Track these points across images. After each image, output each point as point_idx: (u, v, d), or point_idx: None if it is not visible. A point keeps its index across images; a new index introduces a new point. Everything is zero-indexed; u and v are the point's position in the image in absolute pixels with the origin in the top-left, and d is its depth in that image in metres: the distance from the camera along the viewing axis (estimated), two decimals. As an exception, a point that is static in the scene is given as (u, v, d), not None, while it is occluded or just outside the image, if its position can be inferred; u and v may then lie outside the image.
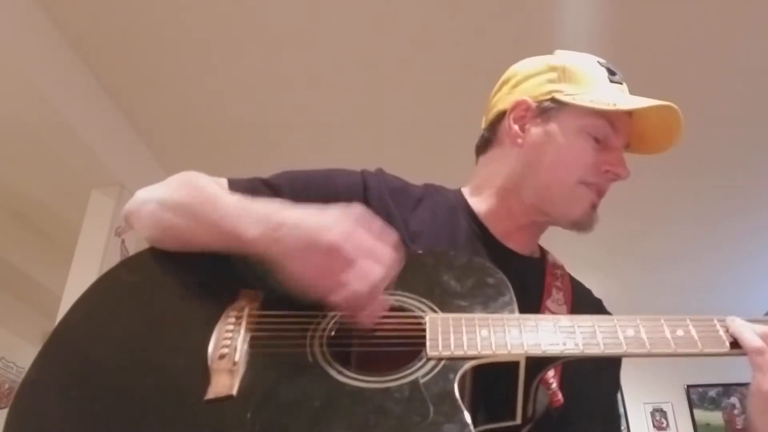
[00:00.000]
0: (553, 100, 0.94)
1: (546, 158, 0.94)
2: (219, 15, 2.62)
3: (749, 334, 0.69)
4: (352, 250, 0.67)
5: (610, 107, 0.89)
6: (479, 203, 0.99)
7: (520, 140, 0.96)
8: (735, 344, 0.70)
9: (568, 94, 0.93)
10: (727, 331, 0.71)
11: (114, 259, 2.98)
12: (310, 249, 0.68)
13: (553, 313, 0.90)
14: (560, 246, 1.05)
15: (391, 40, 2.72)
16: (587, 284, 1.04)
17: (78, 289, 0.78)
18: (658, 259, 4.33)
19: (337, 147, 3.17)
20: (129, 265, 0.85)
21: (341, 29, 2.68)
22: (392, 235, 0.72)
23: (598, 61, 0.96)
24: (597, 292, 1.04)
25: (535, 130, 0.95)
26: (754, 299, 4.65)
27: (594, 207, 0.94)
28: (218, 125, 3.27)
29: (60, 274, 2.99)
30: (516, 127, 0.97)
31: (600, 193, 0.94)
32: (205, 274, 0.78)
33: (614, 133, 0.92)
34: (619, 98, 0.91)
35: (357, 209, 0.71)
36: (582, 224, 0.94)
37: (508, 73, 1.02)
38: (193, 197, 0.80)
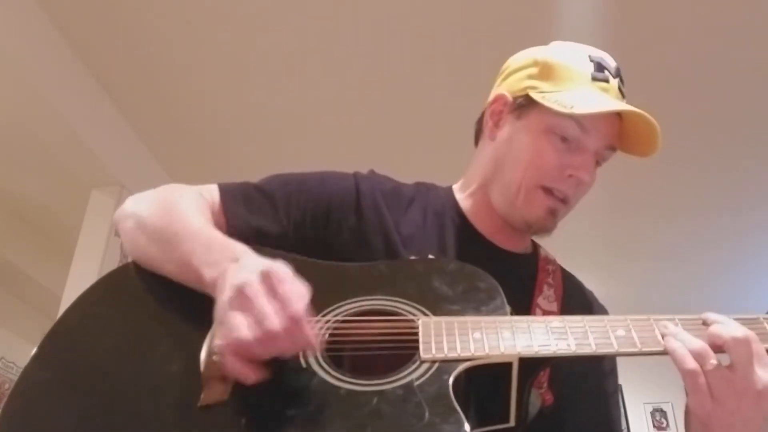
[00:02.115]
0: (527, 97, 0.91)
1: (510, 157, 0.92)
2: (219, 16, 2.62)
3: (682, 352, 0.66)
4: (249, 295, 0.62)
5: (566, 110, 0.85)
6: (466, 201, 0.99)
7: (493, 135, 0.95)
8: None
9: (541, 91, 0.90)
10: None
11: (114, 259, 2.99)
12: (222, 290, 0.65)
13: (544, 310, 0.90)
14: (561, 244, 1.04)
15: (390, 39, 2.73)
16: (588, 283, 1.04)
17: (78, 289, 0.78)
18: (659, 257, 4.33)
19: (337, 147, 3.17)
20: (123, 271, 0.85)
21: (341, 30, 2.68)
22: (295, 297, 0.63)
23: (590, 55, 0.92)
24: (599, 291, 1.04)
25: (507, 127, 0.94)
26: (754, 297, 4.65)
27: (552, 213, 0.91)
28: (218, 126, 3.27)
29: (60, 274, 3.00)
30: (491, 122, 0.96)
31: (564, 200, 0.90)
32: None
33: (584, 134, 0.88)
34: (583, 101, 0.86)
35: (274, 265, 0.66)
36: (536, 228, 0.92)
37: (504, 65, 1.01)
38: (166, 225, 0.79)
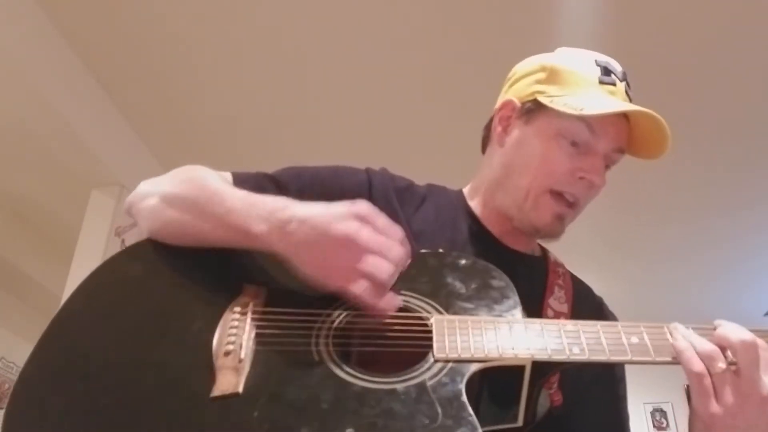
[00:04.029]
0: (535, 101, 0.91)
1: (520, 161, 0.92)
2: (218, 15, 2.62)
3: (689, 354, 0.67)
4: (366, 240, 0.67)
5: (577, 112, 0.85)
6: (477, 206, 0.99)
7: (502, 141, 0.96)
8: None
9: (549, 95, 0.90)
10: None
11: (114, 259, 2.98)
12: (322, 241, 0.67)
13: (554, 311, 0.90)
14: (561, 243, 1.05)
15: (390, 38, 2.72)
16: (590, 282, 1.04)
17: (78, 290, 0.76)
18: (659, 257, 4.33)
19: (338, 148, 3.17)
20: (129, 255, 0.82)
21: (340, 28, 2.68)
22: (398, 231, 0.71)
23: (596, 60, 0.93)
24: (600, 290, 1.04)
25: (516, 132, 0.94)
26: (754, 297, 4.66)
27: (560, 219, 0.91)
28: (218, 125, 3.27)
29: (60, 274, 2.99)
30: (500, 128, 0.96)
31: (573, 205, 0.90)
32: (207, 267, 0.76)
33: (594, 137, 0.88)
34: (592, 103, 0.86)
35: (363, 204, 0.71)
36: (544, 233, 0.92)
37: (511, 72, 1.01)
38: (198, 192, 0.79)
